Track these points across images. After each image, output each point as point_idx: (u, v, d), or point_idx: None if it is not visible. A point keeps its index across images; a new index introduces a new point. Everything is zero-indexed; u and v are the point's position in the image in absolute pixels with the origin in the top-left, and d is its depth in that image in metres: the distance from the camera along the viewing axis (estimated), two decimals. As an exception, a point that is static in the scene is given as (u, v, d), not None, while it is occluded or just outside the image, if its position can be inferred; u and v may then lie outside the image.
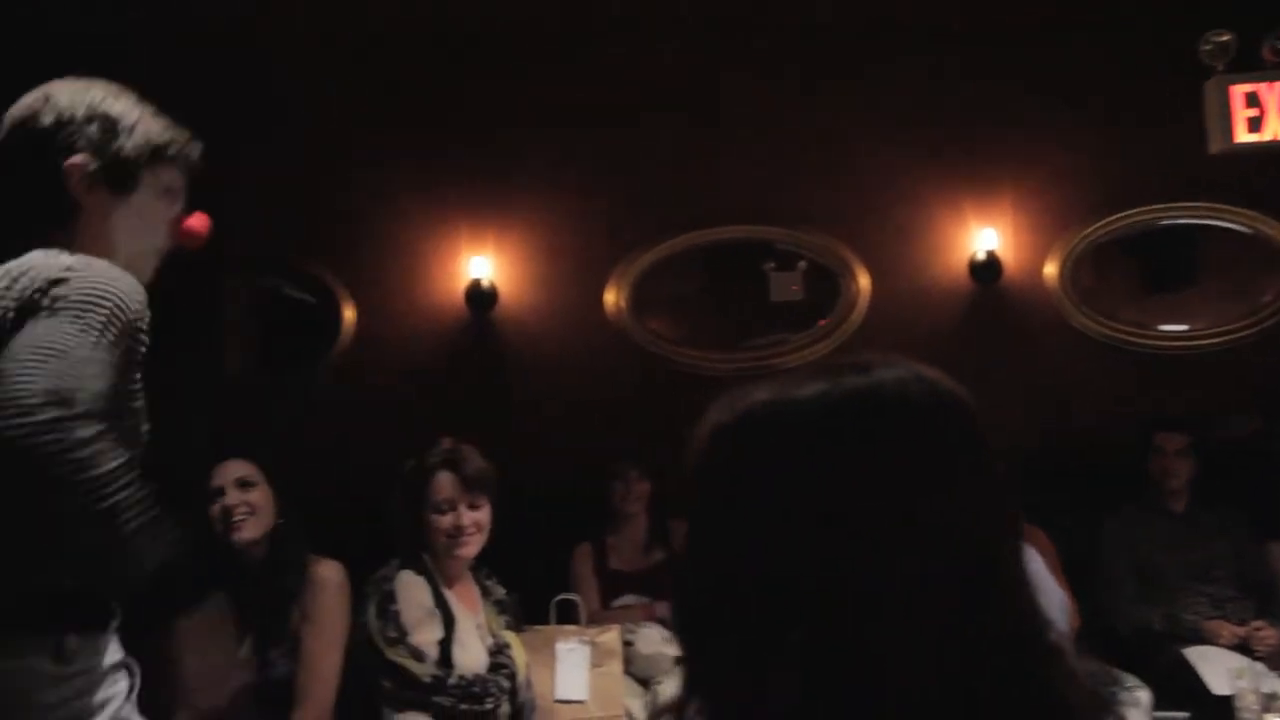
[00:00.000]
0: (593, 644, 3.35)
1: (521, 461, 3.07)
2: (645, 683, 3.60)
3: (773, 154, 4.40)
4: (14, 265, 1.62)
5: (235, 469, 2.92)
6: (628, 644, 3.56)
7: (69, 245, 1.67)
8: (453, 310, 4.38)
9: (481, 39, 4.30)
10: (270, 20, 4.22)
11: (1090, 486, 3.90)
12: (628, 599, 3.91)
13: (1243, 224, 4.39)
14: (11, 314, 1.53)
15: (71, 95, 1.75)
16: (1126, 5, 4.28)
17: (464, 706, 2.77)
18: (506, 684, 2.88)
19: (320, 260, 4.45)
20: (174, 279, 1.85)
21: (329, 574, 2.90)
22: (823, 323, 4.48)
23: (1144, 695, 3.26)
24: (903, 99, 4.35)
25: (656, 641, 3.68)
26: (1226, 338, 4.36)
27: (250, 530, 2.88)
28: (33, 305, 1.52)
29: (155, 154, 1.77)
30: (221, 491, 2.89)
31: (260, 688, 2.79)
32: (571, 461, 4.07)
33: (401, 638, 2.76)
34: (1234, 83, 3.48)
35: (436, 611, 2.82)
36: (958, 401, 0.80)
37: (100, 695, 1.61)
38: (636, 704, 3.48)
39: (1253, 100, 3.47)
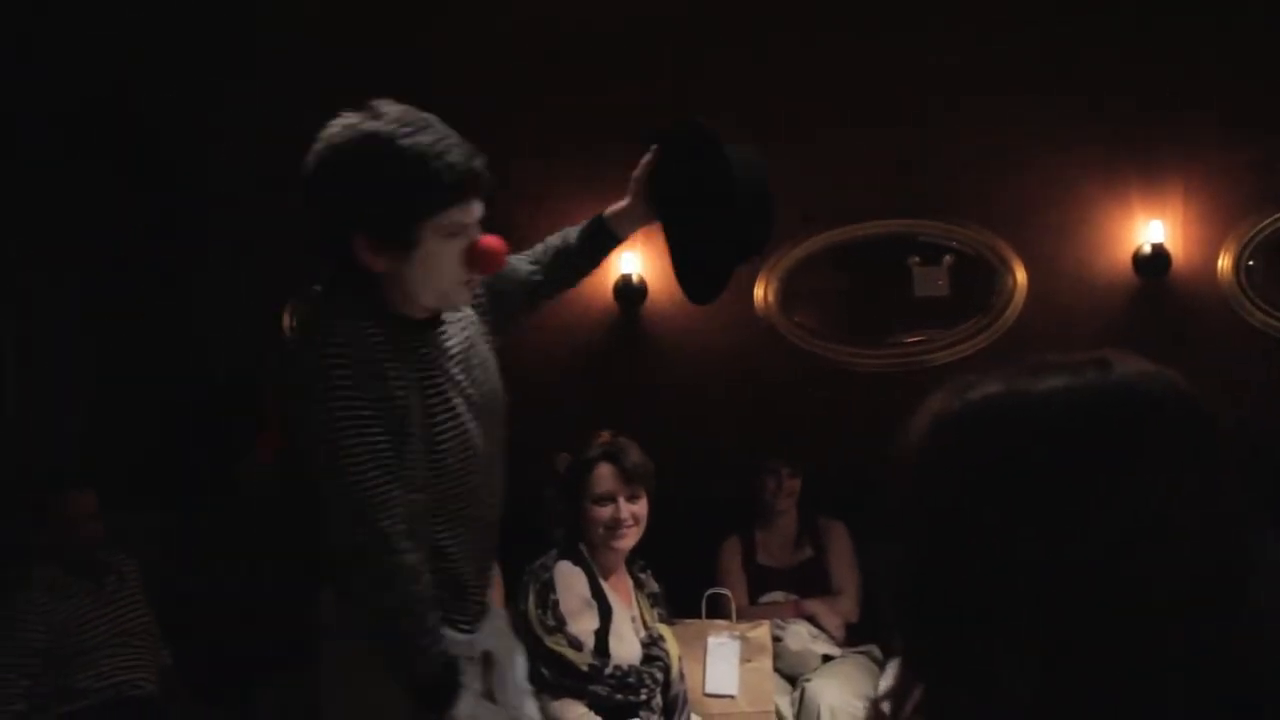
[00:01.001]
0: (743, 639, 3.34)
1: (669, 456, 3.07)
2: (793, 680, 3.57)
3: (925, 146, 4.29)
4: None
5: None
6: (776, 640, 3.53)
7: (376, 298, 1.86)
8: (602, 305, 4.41)
9: (636, 41, 4.32)
10: (430, 19, 4.33)
11: (1265, 490, 3.70)
12: (775, 595, 3.88)
13: None
14: None
15: (340, 162, 1.77)
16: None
17: (619, 697, 2.79)
18: (660, 676, 2.89)
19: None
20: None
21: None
22: (975, 319, 4.36)
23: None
24: (1065, 85, 4.19)
25: (805, 638, 3.65)
26: None
27: None
28: None
29: (428, 209, 1.79)
30: None
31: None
32: (719, 456, 4.06)
33: (560, 626, 2.79)
34: None
35: (593, 602, 2.84)
36: (1198, 402, 0.77)
37: None
38: (784, 700, 3.44)
39: None
